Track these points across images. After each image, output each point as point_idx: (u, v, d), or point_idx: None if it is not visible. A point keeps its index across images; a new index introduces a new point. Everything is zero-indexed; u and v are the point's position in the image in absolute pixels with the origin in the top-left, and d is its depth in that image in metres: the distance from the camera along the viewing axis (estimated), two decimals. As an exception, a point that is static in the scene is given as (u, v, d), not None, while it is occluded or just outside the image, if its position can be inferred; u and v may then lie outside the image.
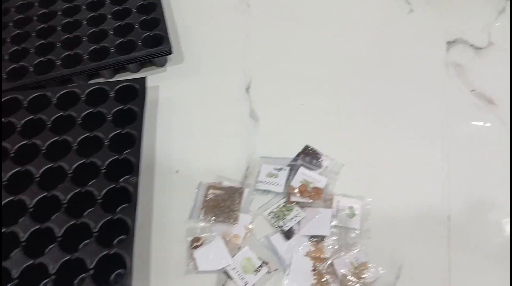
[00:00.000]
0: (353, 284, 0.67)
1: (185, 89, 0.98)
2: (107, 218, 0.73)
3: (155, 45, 0.99)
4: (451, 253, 0.71)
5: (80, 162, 0.79)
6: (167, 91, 0.98)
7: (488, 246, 0.71)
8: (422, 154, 0.83)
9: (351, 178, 0.81)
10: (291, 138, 0.87)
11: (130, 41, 1.01)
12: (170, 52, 0.98)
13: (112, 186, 0.76)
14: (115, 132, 0.84)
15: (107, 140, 0.83)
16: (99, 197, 0.75)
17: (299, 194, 0.77)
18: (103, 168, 0.79)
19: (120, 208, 0.74)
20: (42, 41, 1.04)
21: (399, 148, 0.84)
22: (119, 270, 0.70)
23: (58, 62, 0.99)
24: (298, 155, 0.84)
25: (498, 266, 0.69)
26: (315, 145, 0.85)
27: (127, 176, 0.77)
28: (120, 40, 1.01)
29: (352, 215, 0.75)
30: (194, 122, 0.92)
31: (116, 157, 0.80)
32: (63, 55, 1.00)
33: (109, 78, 1.02)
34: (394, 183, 0.80)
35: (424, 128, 0.87)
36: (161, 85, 0.99)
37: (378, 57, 1.01)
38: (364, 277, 0.68)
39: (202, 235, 0.75)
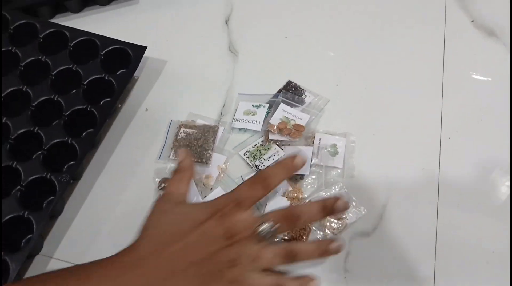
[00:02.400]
0: (332, 224, 0.62)
1: (158, 20, 0.89)
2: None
3: (125, -27, 0.90)
4: (441, 195, 0.65)
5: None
6: (139, 23, 0.89)
7: (479, 198, 0.65)
8: (417, 91, 0.75)
9: (337, 115, 0.74)
10: (273, 73, 0.79)
11: (97, -31, 0.91)
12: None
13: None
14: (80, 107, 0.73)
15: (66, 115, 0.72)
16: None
17: (278, 132, 0.71)
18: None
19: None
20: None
21: (392, 83, 0.77)
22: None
23: (19, -8, 0.90)
24: (279, 91, 0.77)
25: (486, 219, 0.64)
26: (300, 81, 0.78)
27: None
28: (86, -33, 0.92)
29: (335, 153, 0.69)
30: (166, 57, 0.84)
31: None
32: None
33: (76, 11, 0.93)
34: (384, 120, 0.73)
35: (420, 63, 0.78)
36: (133, 18, 0.90)
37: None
38: (344, 217, 0.62)
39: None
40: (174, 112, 0.76)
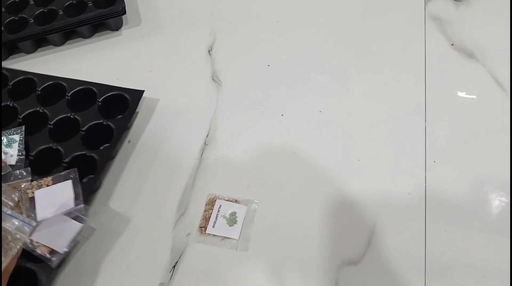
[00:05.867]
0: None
1: (141, 51, 0.90)
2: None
3: (108, 5, 0.90)
4: (428, 220, 0.64)
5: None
6: (122, 55, 0.90)
7: (466, 221, 0.64)
8: (400, 116, 0.75)
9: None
10: (256, 101, 0.80)
11: (80, 2, 0.92)
12: (123, 12, 0.90)
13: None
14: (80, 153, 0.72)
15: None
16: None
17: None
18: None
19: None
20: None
21: (375, 109, 0.77)
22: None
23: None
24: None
25: (475, 242, 0.63)
26: (283, 109, 0.78)
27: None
28: (69, 2, 0.92)
29: (233, 222, 0.66)
30: (149, 88, 0.83)
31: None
32: (7, 20, 0.91)
33: (59, 45, 0.93)
34: (368, 146, 0.73)
35: (402, 88, 0.79)
36: (116, 50, 0.91)
37: (353, 13, 0.92)
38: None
39: None
40: (160, 145, 0.76)
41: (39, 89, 0.80)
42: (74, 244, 0.64)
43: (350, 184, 0.68)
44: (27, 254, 0.61)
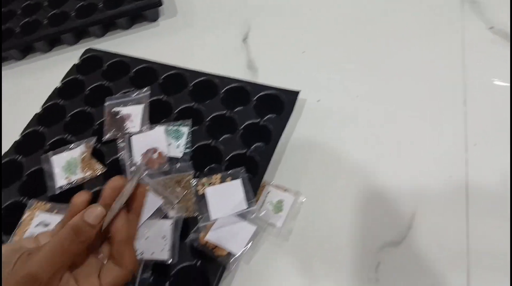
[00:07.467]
0: None
1: (178, 43, 0.92)
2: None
3: (145, -2, 0.93)
4: (470, 203, 0.64)
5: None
6: (160, 46, 0.92)
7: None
8: (439, 99, 0.75)
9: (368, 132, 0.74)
10: (293, 87, 0.80)
11: (118, -5, 0.95)
12: (160, 3, 0.92)
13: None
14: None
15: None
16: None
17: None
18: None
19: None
20: (28, 2, 0.99)
21: (414, 92, 0.76)
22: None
23: (45, 21, 0.94)
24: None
25: None
26: (320, 94, 0.78)
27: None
28: (108, -6, 0.95)
29: (279, 210, 0.66)
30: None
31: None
32: (50, 14, 0.95)
33: (99, 36, 0.96)
34: (408, 128, 0.73)
35: (441, 71, 0.78)
36: (154, 41, 0.93)
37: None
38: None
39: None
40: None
41: (191, 85, 0.80)
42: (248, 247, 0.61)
43: (389, 172, 0.68)
44: (198, 254, 0.61)
